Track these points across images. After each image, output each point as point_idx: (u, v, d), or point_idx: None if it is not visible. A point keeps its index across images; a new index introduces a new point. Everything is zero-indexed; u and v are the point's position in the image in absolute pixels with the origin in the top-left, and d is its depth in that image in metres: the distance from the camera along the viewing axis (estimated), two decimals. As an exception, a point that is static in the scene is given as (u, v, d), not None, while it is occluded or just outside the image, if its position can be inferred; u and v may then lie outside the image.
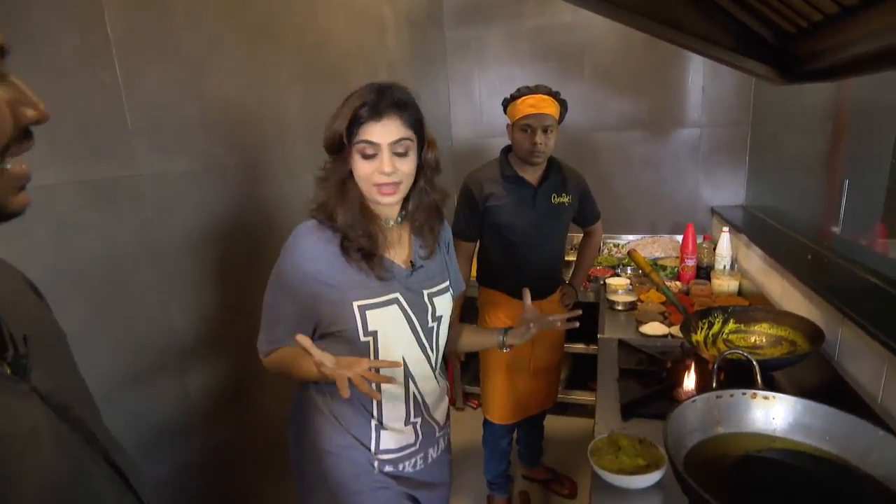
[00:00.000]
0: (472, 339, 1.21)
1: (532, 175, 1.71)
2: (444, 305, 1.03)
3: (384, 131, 0.89)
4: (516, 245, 1.71)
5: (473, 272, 1.88)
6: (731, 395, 0.92)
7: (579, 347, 2.39)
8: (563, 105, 1.67)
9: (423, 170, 0.97)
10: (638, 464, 0.96)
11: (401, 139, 0.90)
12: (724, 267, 2.03)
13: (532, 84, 1.64)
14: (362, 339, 0.94)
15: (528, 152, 1.63)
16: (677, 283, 2.11)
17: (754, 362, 1.04)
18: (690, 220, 2.21)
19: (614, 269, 2.40)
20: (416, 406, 1.03)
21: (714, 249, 2.09)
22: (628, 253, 1.57)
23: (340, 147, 0.92)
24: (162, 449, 1.13)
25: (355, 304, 0.92)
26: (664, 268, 2.29)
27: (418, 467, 1.06)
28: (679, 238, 2.30)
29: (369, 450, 1.00)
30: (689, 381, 1.21)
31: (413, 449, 1.04)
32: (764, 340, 1.34)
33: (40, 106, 0.41)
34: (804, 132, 1.97)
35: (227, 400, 1.31)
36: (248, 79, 1.35)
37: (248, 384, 1.37)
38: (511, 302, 1.73)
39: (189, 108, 1.17)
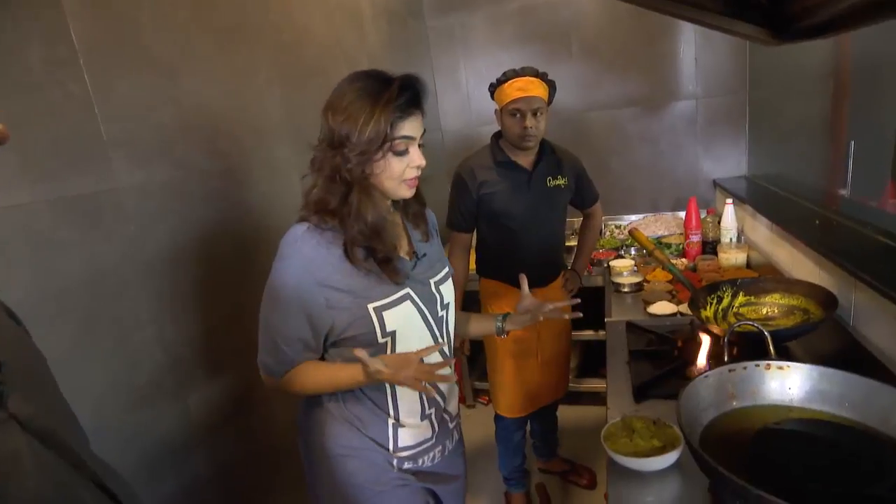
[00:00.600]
0: (473, 326, 1.19)
1: (525, 159, 1.67)
2: (449, 292, 1.03)
3: (416, 125, 0.88)
4: (514, 232, 1.67)
5: (472, 264, 1.84)
6: (745, 368, 0.89)
7: (588, 334, 2.34)
8: (552, 86, 1.62)
9: None
10: (653, 445, 0.93)
11: (425, 130, 0.90)
12: (731, 240, 1.98)
13: (518, 67, 1.59)
14: (380, 340, 0.91)
15: (519, 137, 1.59)
16: (683, 260, 2.07)
17: (766, 333, 1.01)
18: (692, 195, 2.16)
19: (617, 251, 2.35)
20: (431, 399, 1.01)
21: (719, 223, 2.05)
22: (630, 232, 1.52)
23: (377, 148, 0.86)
24: (166, 467, 1.11)
25: (370, 307, 0.89)
26: (668, 245, 2.24)
27: (436, 460, 1.06)
28: (682, 214, 2.25)
29: (388, 450, 0.99)
30: (702, 358, 1.18)
31: (430, 443, 1.03)
32: (776, 311, 1.31)
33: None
34: (804, 94, 1.91)
35: (228, 412, 1.29)
36: (225, 81, 1.32)
37: (248, 394, 1.34)
38: (513, 292, 1.66)
39: (165, 115, 1.14)
